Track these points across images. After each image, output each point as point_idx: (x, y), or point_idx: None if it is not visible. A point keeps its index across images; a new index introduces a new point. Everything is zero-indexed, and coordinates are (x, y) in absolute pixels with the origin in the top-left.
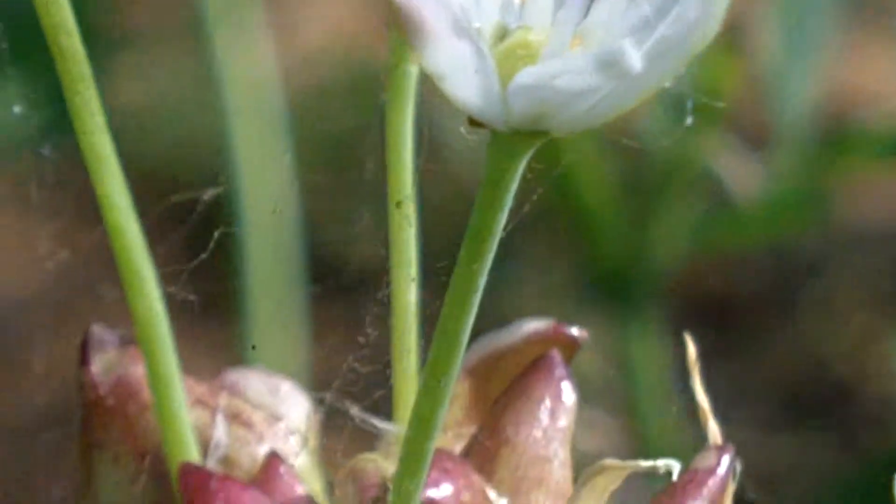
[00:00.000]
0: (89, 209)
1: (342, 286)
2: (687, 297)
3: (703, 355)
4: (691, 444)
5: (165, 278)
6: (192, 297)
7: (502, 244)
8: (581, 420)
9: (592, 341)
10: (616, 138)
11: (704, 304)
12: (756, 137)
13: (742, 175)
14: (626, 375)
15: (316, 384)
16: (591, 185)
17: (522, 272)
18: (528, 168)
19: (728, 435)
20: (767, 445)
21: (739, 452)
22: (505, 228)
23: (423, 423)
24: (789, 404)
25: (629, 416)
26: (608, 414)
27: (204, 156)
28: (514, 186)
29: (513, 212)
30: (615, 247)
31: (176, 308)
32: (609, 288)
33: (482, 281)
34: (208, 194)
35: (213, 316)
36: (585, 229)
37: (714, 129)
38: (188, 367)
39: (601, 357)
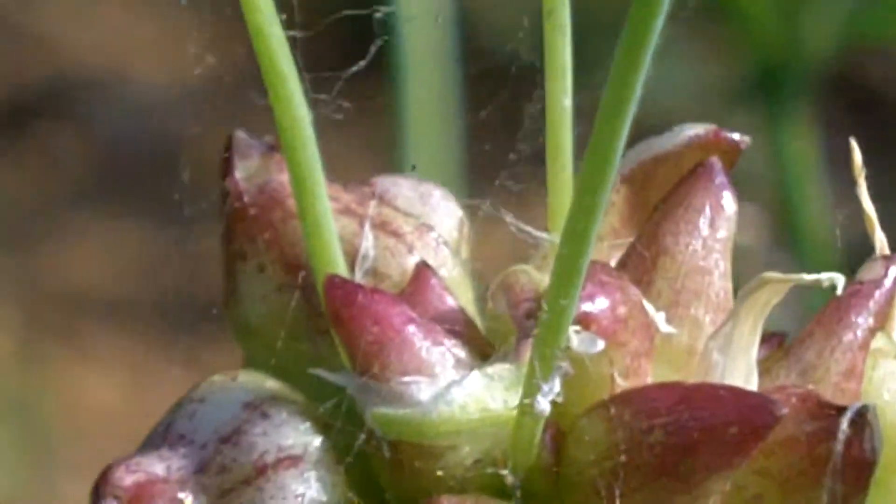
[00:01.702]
0: (240, 16)
1: (498, 95)
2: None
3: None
4: (840, 238)
5: (319, 85)
6: (346, 105)
7: (655, 46)
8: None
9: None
10: None
11: (857, 98)
12: None
13: None
14: (778, 171)
15: (470, 193)
16: None
17: (676, 73)
18: None
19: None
20: None
21: None
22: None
23: (577, 237)
24: None
25: (781, 211)
26: (760, 209)
27: None
28: None
29: (668, 14)
30: (768, 42)
31: (328, 116)
32: (762, 84)
33: (638, 88)
34: (380, 11)
35: (367, 126)
36: (738, 26)
37: None
38: (339, 176)
39: (754, 152)
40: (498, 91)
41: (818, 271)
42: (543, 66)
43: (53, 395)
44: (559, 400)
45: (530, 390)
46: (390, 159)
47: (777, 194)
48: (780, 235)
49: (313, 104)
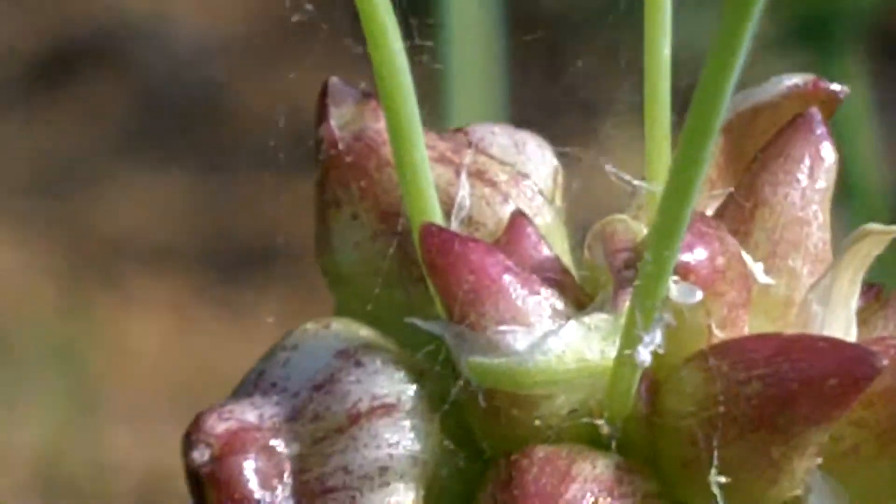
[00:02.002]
0: None
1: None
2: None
3: None
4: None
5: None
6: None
7: None
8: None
9: None
10: None
11: None
12: None
13: None
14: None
15: (555, 141)
16: None
17: None
18: None
19: None
20: None
21: None
22: None
23: (681, 188)
24: None
25: None
26: None
27: None
28: None
29: None
30: None
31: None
32: (811, 34)
33: (748, 35)
34: None
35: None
36: None
37: None
38: None
39: None
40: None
41: (868, 221)
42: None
43: (97, 341)
44: (660, 351)
45: (630, 341)
46: (436, 108)
47: None
48: None
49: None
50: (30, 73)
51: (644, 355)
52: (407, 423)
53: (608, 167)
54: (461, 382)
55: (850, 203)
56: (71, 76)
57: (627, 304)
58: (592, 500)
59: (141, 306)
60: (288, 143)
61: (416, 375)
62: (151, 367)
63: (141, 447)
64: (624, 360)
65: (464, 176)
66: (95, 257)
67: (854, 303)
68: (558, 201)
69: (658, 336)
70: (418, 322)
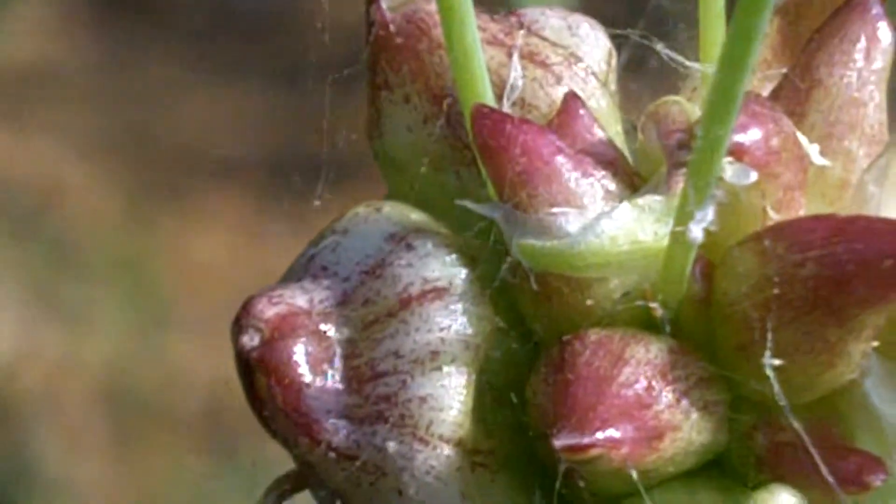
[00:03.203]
0: None
1: None
2: None
3: None
4: None
5: None
6: None
7: None
8: None
9: None
10: None
11: None
12: None
13: None
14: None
15: (617, 22)
16: None
17: None
18: None
19: None
20: None
21: None
22: None
23: (733, 65)
24: None
25: None
26: None
27: None
28: None
29: None
30: None
31: None
32: None
33: None
34: None
35: None
36: None
37: None
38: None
39: None
40: None
41: None
42: None
43: (164, 254)
44: (712, 228)
45: (683, 218)
46: None
47: None
48: None
49: None
50: None
51: (696, 232)
52: (458, 306)
53: (661, 48)
54: (508, 263)
55: None
56: None
57: (681, 185)
58: (646, 383)
59: (208, 219)
60: (359, 55)
61: (468, 259)
62: (218, 279)
63: (207, 359)
64: (677, 237)
65: (516, 58)
66: (162, 171)
67: None
68: (612, 84)
69: (710, 213)
70: (470, 204)
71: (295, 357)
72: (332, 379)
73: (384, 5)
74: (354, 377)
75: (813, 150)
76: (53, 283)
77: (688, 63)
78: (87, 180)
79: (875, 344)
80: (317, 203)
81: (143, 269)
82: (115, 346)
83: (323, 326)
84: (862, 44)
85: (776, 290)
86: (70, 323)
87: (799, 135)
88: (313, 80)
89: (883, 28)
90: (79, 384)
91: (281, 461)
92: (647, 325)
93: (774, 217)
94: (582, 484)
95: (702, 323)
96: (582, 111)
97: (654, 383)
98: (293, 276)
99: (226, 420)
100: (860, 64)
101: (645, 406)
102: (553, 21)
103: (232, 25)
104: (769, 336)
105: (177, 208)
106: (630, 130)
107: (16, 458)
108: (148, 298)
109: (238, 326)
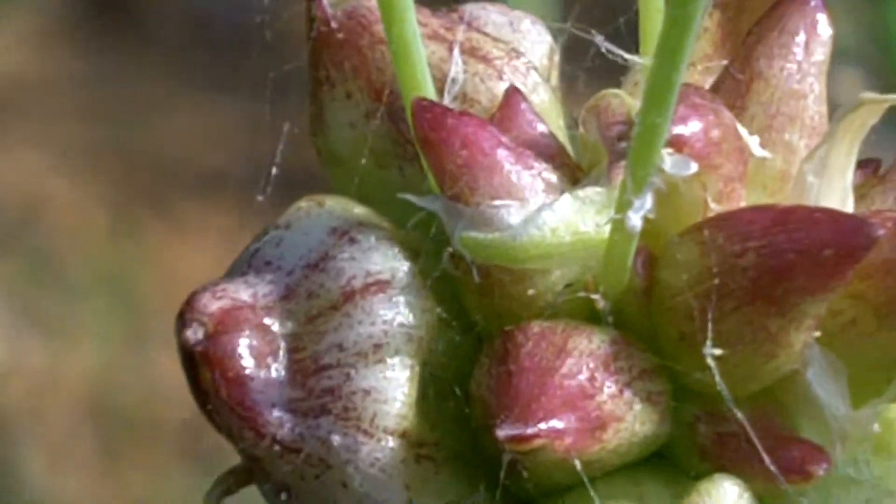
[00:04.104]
0: None
1: None
2: None
3: None
4: None
5: None
6: None
7: None
8: (835, 79)
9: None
10: None
11: None
12: None
13: None
14: (881, 34)
15: (557, 14)
16: None
17: None
18: None
19: None
20: None
21: None
22: None
23: (670, 53)
24: None
25: (885, 75)
26: (863, 74)
27: None
28: None
29: None
30: None
31: None
32: None
33: None
34: None
35: None
36: None
37: None
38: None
39: (855, 21)
40: None
41: None
42: None
43: (147, 266)
44: (651, 216)
45: (622, 207)
46: None
47: (877, 60)
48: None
49: None
50: (81, 0)
51: (635, 220)
52: (401, 299)
53: (601, 41)
54: (450, 255)
55: None
56: (120, 3)
57: (621, 177)
58: (588, 374)
59: (191, 233)
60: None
61: (410, 252)
62: None
63: None
64: (617, 227)
65: (456, 52)
66: (146, 184)
67: (850, 174)
68: (554, 80)
69: (649, 201)
70: (411, 198)
71: (239, 350)
72: (277, 372)
73: (325, 2)
74: (298, 370)
75: (753, 142)
76: (37, 296)
77: (626, 56)
78: (70, 194)
79: (817, 334)
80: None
81: (127, 282)
82: (99, 359)
83: (267, 320)
84: (801, 36)
85: (717, 281)
86: (54, 337)
87: (739, 126)
88: (298, 96)
89: (822, 20)
90: (62, 398)
91: None
92: (590, 316)
93: (715, 208)
94: (526, 475)
95: (644, 314)
96: (523, 105)
97: (596, 374)
98: (237, 270)
99: (209, 433)
100: (800, 56)
101: (588, 397)
102: (494, 16)
103: (215, 40)
104: (710, 326)
105: (160, 222)
106: (571, 124)
107: None
108: (132, 312)
109: (182, 320)
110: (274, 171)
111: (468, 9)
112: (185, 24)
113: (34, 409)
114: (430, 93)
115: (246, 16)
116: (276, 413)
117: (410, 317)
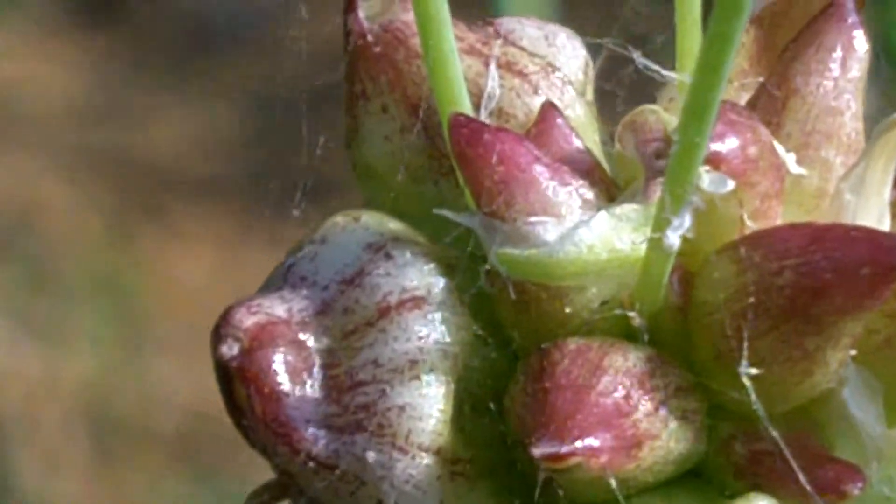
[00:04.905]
0: None
1: None
2: None
3: None
4: None
5: None
6: None
7: None
8: None
9: None
10: None
11: None
12: None
13: None
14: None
15: (594, 30)
16: None
17: None
18: None
19: None
20: None
21: None
22: None
23: (709, 72)
24: None
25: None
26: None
27: None
28: None
29: None
30: None
31: None
32: None
33: None
34: None
35: None
36: None
37: None
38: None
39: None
40: None
41: None
42: None
43: (143, 273)
44: (689, 236)
45: (660, 226)
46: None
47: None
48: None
49: None
50: (75, 5)
51: (673, 239)
52: (437, 315)
53: (638, 57)
54: (486, 272)
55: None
56: (117, 8)
57: (658, 193)
58: (624, 392)
59: (186, 239)
60: (339, 75)
61: (446, 268)
62: (197, 298)
63: (186, 378)
64: (654, 245)
65: (493, 67)
66: (141, 190)
67: (887, 192)
68: (589, 94)
69: (687, 220)
70: (448, 213)
71: (274, 366)
72: (312, 388)
73: (361, 14)
74: (334, 386)
75: (790, 159)
76: (32, 302)
77: (663, 72)
78: (65, 199)
79: (853, 353)
80: (295, 213)
81: (122, 288)
82: (94, 365)
83: (302, 336)
84: (838, 53)
85: (753, 299)
86: (49, 342)
87: (776, 144)
88: (290, 96)
89: (859, 37)
90: (57, 404)
91: (260, 480)
92: (626, 333)
93: (752, 226)
94: (561, 493)
95: (680, 331)
96: (559, 120)
97: (632, 392)
98: (272, 285)
99: (204, 439)
100: (836, 73)
101: (623, 415)
102: (530, 31)
103: (210, 46)
104: (746, 345)
105: (155, 227)
106: (607, 140)
107: None
108: (126, 318)
109: (217, 336)
110: (276, 181)
111: (504, 22)
112: (179, 31)
113: (29, 414)
114: (467, 108)
115: (239, 23)
116: (311, 429)
117: (446, 333)
